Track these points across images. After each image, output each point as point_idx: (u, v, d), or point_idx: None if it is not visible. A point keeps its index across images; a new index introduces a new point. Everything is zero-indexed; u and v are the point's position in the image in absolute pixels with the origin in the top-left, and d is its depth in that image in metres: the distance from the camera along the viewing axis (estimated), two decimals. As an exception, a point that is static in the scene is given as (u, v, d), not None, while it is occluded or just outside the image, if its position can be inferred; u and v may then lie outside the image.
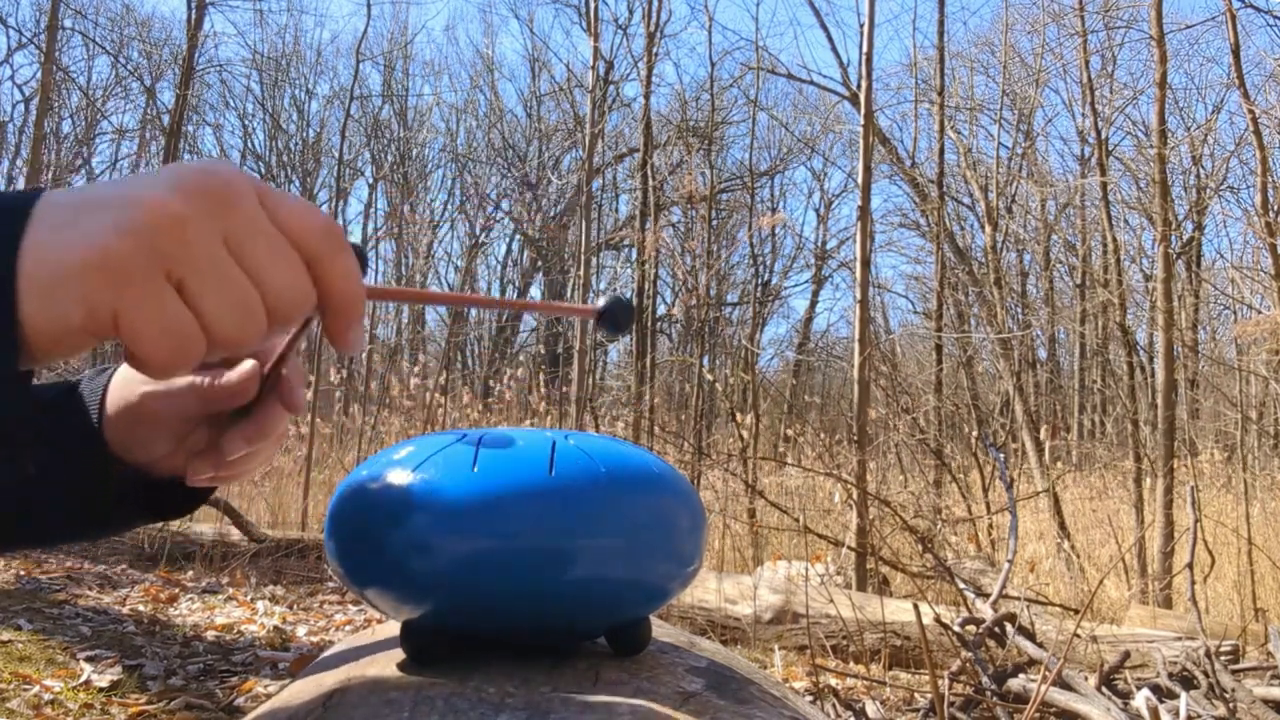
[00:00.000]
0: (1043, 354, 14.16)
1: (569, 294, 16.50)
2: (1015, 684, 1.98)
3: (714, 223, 12.65)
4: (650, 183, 10.19)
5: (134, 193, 0.36)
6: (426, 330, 16.38)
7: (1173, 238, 6.32)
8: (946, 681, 2.00)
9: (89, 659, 2.42)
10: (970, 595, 2.76)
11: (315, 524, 5.48)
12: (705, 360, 9.27)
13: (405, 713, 0.48)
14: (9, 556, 3.71)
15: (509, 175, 18.17)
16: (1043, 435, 6.31)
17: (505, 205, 17.92)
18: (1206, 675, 2.07)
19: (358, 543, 0.55)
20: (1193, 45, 11.99)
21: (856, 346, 4.47)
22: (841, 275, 17.23)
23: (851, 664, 3.01)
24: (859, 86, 5.02)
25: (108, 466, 0.54)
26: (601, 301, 0.50)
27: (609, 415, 8.49)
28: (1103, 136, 7.72)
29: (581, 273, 8.10)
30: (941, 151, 7.68)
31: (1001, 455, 3.67)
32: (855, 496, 4.04)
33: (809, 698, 2.23)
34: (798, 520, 4.11)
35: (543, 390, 7.41)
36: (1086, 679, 1.98)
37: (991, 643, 2.39)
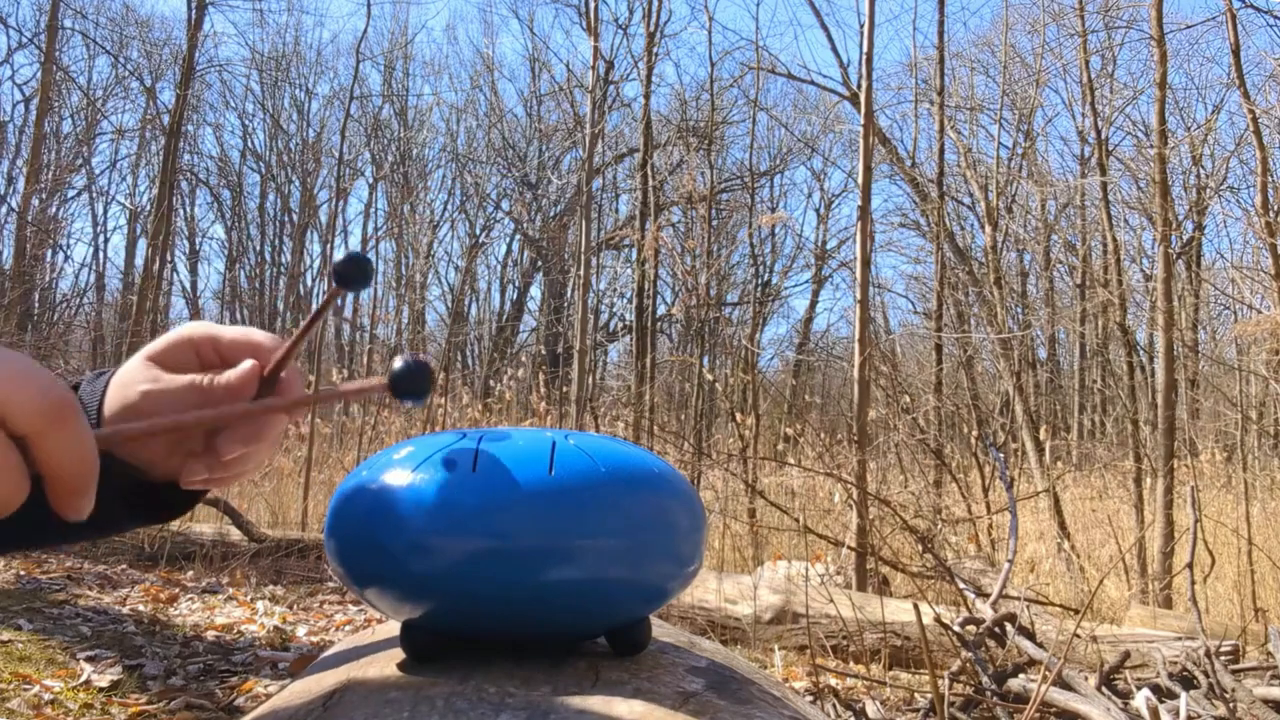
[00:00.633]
0: (1043, 354, 14.17)
1: (569, 294, 16.52)
2: (1015, 684, 1.98)
3: (714, 223, 12.65)
4: (650, 183, 10.19)
5: None
6: (427, 330, 16.38)
7: (1173, 238, 6.32)
8: (946, 681, 2.00)
9: (89, 659, 2.42)
10: (970, 595, 2.76)
11: (315, 524, 5.48)
12: (705, 360, 9.27)
13: (405, 713, 0.48)
14: (8, 557, 3.71)
15: (509, 175, 18.18)
16: (1043, 435, 6.31)
17: (505, 205, 17.93)
18: (1206, 675, 2.07)
19: (358, 543, 0.55)
20: (1193, 45, 12.01)
21: (856, 346, 4.47)
22: (841, 275, 17.25)
23: (851, 664, 3.01)
24: (859, 86, 5.02)
25: (106, 467, 0.55)
26: (397, 363, 0.44)
27: (609, 415, 8.48)
28: (1103, 136, 7.72)
29: (581, 273, 8.09)
30: (941, 151, 7.68)
31: (1001, 455, 3.67)
32: (855, 496, 4.04)
33: (809, 698, 2.23)
34: (798, 520, 4.11)
35: (542, 390, 7.40)
36: (1086, 679, 1.98)
37: (991, 643, 2.39)
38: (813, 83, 10.04)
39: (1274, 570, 4.14)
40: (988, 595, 2.76)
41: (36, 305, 14.43)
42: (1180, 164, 11.79)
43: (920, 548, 3.51)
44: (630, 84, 14.59)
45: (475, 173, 18.24)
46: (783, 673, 2.74)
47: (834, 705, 2.15)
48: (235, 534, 4.57)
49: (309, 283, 17.32)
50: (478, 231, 18.58)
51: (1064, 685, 1.89)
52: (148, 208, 14.19)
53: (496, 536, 0.52)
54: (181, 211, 17.81)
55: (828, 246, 17.76)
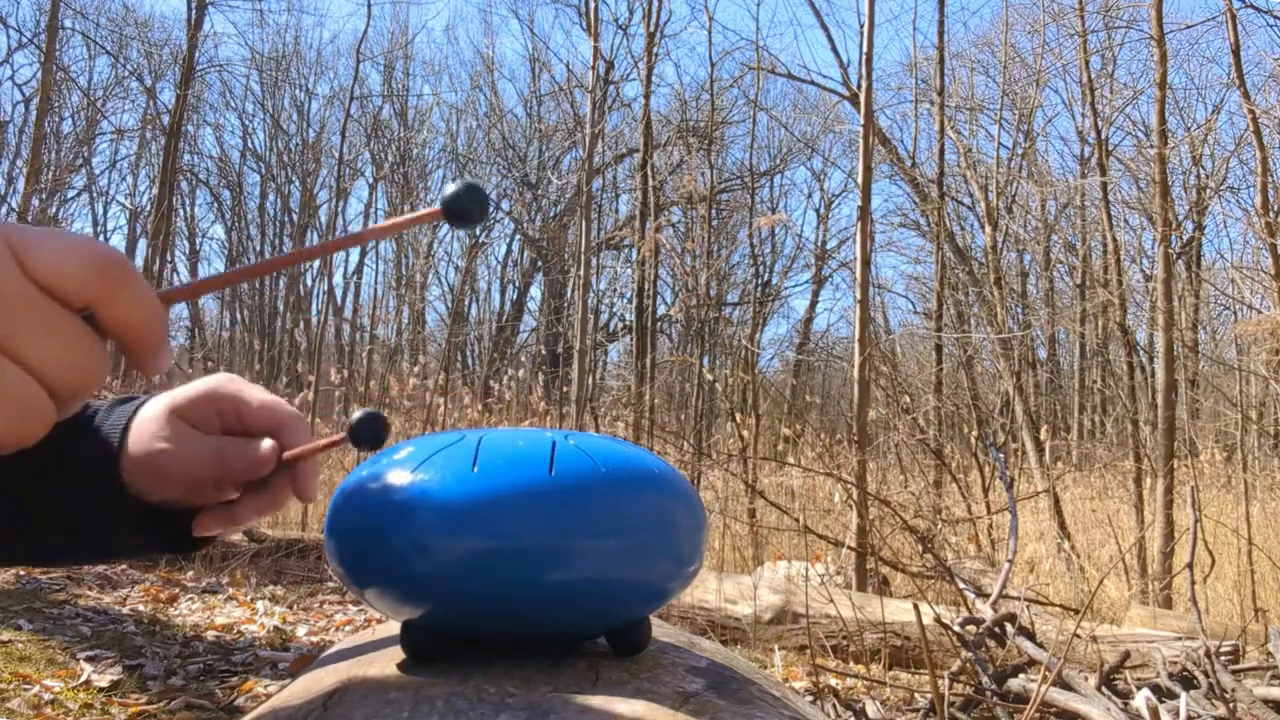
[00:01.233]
0: (1043, 354, 14.17)
1: (569, 294, 16.53)
2: (1015, 684, 1.98)
3: (714, 223, 12.65)
4: (650, 183, 10.19)
5: None
6: (426, 330, 16.39)
7: (1173, 238, 6.32)
8: (946, 681, 2.00)
9: (89, 659, 2.42)
10: (970, 595, 2.76)
11: (315, 524, 5.48)
12: (705, 360, 9.27)
13: (405, 713, 0.48)
14: (13, 567, 3.71)
15: (509, 175, 18.18)
16: (1043, 435, 6.31)
17: (505, 205, 17.92)
18: (1206, 675, 2.07)
19: (358, 543, 0.55)
20: (1193, 45, 12.01)
21: (856, 346, 4.47)
22: (841, 275, 17.25)
23: (851, 664, 3.01)
24: (859, 86, 5.02)
25: (123, 499, 0.54)
26: (449, 189, 0.45)
27: (609, 415, 8.48)
28: (1103, 136, 7.72)
29: (581, 273, 8.09)
30: (941, 151, 7.68)
31: (1001, 455, 3.67)
32: (855, 496, 4.04)
33: (809, 698, 2.22)
34: (798, 520, 4.10)
35: (542, 390, 7.40)
36: (1086, 679, 1.98)
37: (991, 643, 2.39)
38: (813, 83, 10.05)
39: (1274, 570, 4.14)
40: (988, 595, 2.76)
41: (36, 305, 14.36)
42: (1180, 164, 11.80)
43: (920, 548, 3.51)
44: (630, 84, 14.60)
45: (475, 173, 18.24)
46: (783, 673, 2.74)
47: (834, 705, 2.15)
48: (235, 534, 4.57)
49: (309, 283, 17.32)
50: (478, 231, 18.58)
51: (1064, 685, 1.89)
52: (148, 208, 14.21)
53: (496, 537, 0.52)
54: (181, 211, 17.83)
55: (828, 246, 17.78)
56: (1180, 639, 2.72)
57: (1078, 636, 2.71)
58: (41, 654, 2.45)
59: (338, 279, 18.10)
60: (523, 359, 15.59)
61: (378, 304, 18.15)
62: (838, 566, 4.06)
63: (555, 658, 0.58)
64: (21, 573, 3.59)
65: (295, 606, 3.51)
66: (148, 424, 0.54)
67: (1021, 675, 2.03)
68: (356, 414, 0.48)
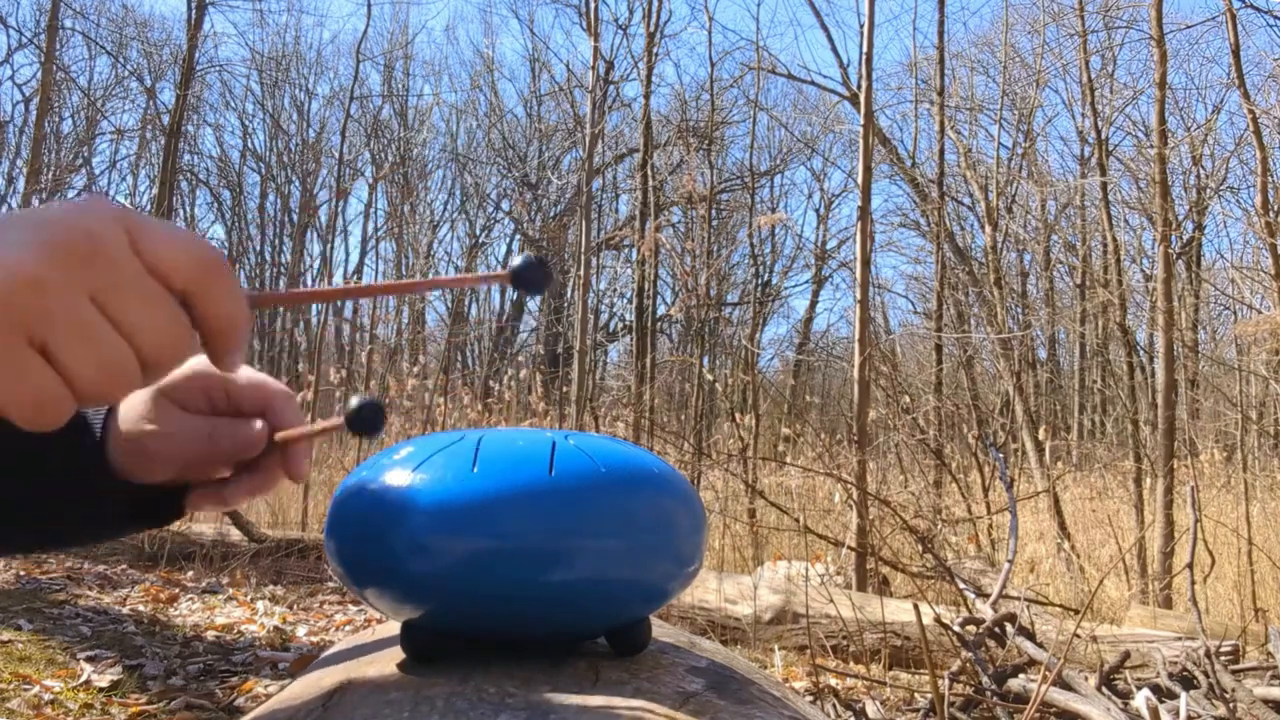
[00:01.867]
0: (1043, 354, 14.17)
1: (569, 294, 16.51)
2: (1015, 684, 1.98)
3: (714, 223, 12.65)
4: (650, 183, 10.19)
5: None
6: (426, 330, 16.37)
7: (1173, 238, 6.31)
8: (946, 681, 2.00)
9: (89, 659, 2.42)
10: (970, 595, 2.76)
11: (315, 524, 5.48)
12: (705, 360, 9.27)
13: (405, 713, 0.48)
14: (7, 557, 3.71)
15: (509, 175, 18.17)
16: (1042, 435, 6.31)
17: (505, 205, 17.93)
18: (1206, 675, 2.07)
19: (358, 543, 0.55)
20: (1193, 45, 11.99)
21: (856, 346, 4.47)
22: (841, 275, 17.24)
23: (851, 664, 3.01)
24: (859, 87, 5.02)
25: (108, 480, 0.54)
26: (517, 261, 0.47)
27: (609, 415, 8.48)
28: (1103, 136, 7.73)
29: (581, 273, 8.09)
30: (941, 151, 7.68)
31: (1001, 455, 3.68)
32: (855, 496, 4.04)
33: (809, 698, 2.23)
34: (798, 520, 4.10)
35: (542, 390, 7.40)
36: (1086, 679, 1.98)
37: (991, 643, 2.39)
38: (813, 83, 10.06)
39: (1274, 570, 4.14)
40: (988, 595, 2.76)
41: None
42: (1180, 164, 11.79)
43: (920, 548, 3.51)
44: (630, 84, 14.59)
45: (475, 173, 18.25)
46: (783, 673, 2.74)
47: (834, 705, 2.15)
48: (235, 534, 4.56)
49: (309, 283, 17.31)
50: (478, 232, 18.60)
51: (1064, 685, 1.89)
52: (148, 208, 14.19)
53: (496, 537, 0.52)
54: (181, 211, 17.81)
55: (828, 246, 17.77)
56: (1180, 639, 2.72)
57: (1078, 636, 2.71)
58: (41, 654, 2.45)
59: (337, 279, 18.09)
60: (522, 359, 15.60)
61: (377, 304, 18.14)
62: (838, 566, 4.06)
63: (555, 658, 0.58)
64: (22, 573, 3.59)
65: (295, 606, 3.51)
66: (134, 405, 0.53)
67: (1021, 675, 2.03)
68: (354, 401, 0.48)
